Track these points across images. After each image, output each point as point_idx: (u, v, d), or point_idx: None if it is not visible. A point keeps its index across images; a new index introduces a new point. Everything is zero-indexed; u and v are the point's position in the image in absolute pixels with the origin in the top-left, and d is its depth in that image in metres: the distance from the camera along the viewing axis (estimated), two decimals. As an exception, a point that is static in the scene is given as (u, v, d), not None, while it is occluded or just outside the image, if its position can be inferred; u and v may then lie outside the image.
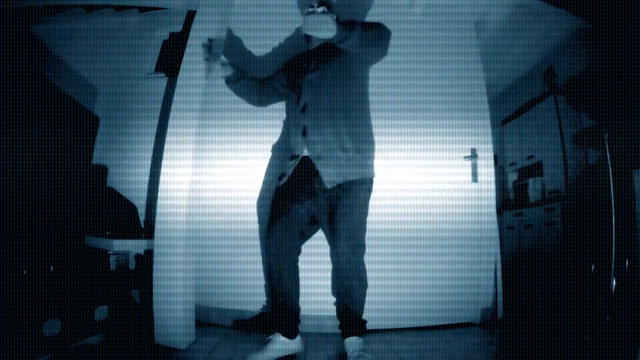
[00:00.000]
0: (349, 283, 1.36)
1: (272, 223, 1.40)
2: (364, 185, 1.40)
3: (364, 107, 1.48)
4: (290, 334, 1.39)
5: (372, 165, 1.45)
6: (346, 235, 1.33)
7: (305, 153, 1.42)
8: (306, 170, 1.42)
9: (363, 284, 1.39)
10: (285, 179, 1.46)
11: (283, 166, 1.56)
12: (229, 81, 1.56)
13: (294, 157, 1.46)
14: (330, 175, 1.36)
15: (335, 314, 1.46)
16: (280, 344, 1.37)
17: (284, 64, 1.66)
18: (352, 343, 1.36)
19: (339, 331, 1.43)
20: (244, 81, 1.57)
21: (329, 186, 1.36)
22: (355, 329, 1.39)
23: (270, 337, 1.39)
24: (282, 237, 1.37)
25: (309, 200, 1.41)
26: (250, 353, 1.33)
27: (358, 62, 1.46)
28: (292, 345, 1.40)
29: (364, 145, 1.42)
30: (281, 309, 1.40)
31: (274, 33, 2.01)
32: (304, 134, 1.42)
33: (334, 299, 1.46)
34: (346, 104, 1.43)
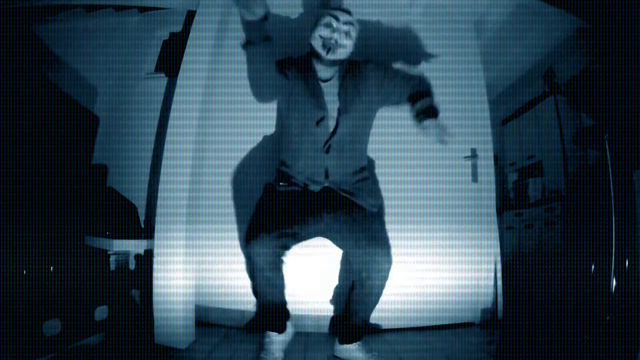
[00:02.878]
0: (375, 292, 1.29)
1: (261, 229, 1.22)
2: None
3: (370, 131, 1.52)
4: (281, 329, 1.36)
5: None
6: (384, 251, 1.26)
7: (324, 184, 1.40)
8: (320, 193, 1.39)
9: (383, 291, 1.33)
10: (286, 188, 1.38)
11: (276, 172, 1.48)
12: (249, 41, 1.30)
13: (305, 187, 1.39)
14: (365, 203, 1.38)
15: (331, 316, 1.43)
16: (277, 344, 1.34)
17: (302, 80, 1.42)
18: (355, 351, 1.35)
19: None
20: (266, 49, 1.29)
21: (370, 209, 1.38)
22: (359, 335, 1.37)
23: (267, 338, 1.35)
24: (268, 243, 1.22)
25: (316, 217, 1.35)
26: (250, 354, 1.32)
27: (385, 101, 1.47)
28: (286, 337, 1.37)
29: (370, 171, 1.50)
30: (268, 306, 1.33)
31: (274, 33, 2.01)
32: (327, 175, 1.38)
33: (332, 301, 1.45)
34: (364, 136, 1.47)
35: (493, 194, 1.99)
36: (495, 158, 2.54)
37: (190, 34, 1.68)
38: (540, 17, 2.49)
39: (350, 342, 1.37)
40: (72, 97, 1.97)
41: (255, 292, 1.32)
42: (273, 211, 1.31)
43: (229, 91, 1.87)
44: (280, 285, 1.31)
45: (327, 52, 1.31)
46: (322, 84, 1.40)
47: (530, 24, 2.59)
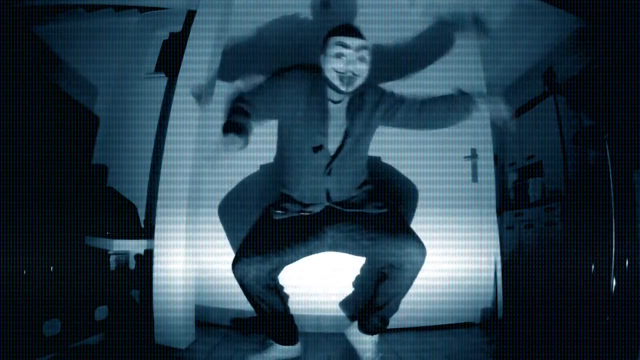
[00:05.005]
0: (406, 283, 1.25)
1: (258, 252, 1.20)
2: None
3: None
4: (290, 341, 1.33)
5: None
6: (412, 234, 1.25)
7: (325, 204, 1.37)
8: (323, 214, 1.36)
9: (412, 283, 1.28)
10: (283, 215, 1.33)
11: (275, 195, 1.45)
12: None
13: (306, 211, 1.35)
14: (372, 210, 1.34)
15: (345, 305, 1.40)
16: (280, 351, 1.32)
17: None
18: (369, 343, 1.30)
19: (338, 331, 1.42)
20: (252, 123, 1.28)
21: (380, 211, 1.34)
22: (381, 328, 1.32)
23: (270, 342, 1.33)
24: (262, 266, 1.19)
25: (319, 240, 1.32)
26: (251, 355, 1.30)
27: (388, 121, 1.45)
28: (292, 353, 1.34)
29: (370, 183, 1.45)
30: (271, 320, 1.29)
31: (274, 33, 2.01)
32: (328, 198, 1.36)
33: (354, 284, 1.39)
34: (364, 152, 1.45)
35: (493, 194, 1.99)
36: (495, 158, 2.54)
37: (190, 34, 1.68)
38: (540, 17, 2.49)
39: (371, 332, 1.30)
40: (72, 97, 1.97)
41: (254, 309, 1.28)
42: (266, 237, 1.27)
43: (229, 91, 1.87)
44: (275, 300, 1.26)
45: (347, 86, 1.25)
46: (332, 106, 1.35)
47: (530, 24, 2.59)
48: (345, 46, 1.23)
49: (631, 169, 1.89)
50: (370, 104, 1.38)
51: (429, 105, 1.38)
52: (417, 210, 1.90)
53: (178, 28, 2.29)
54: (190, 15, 2.06)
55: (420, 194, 1.91)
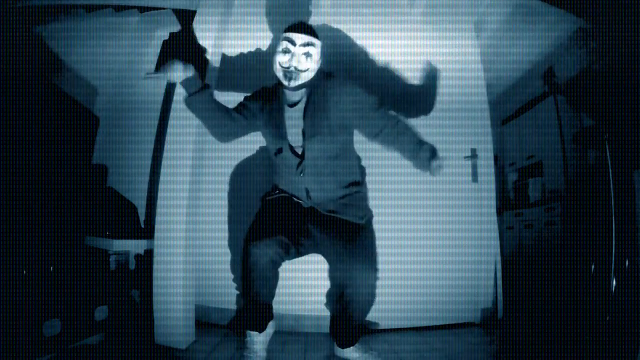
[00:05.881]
0: (361, 304, 1.28)
1: (265, 231, 1.24)
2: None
3: (353, 146, 1.51)
4: (263, 328, 1.33)
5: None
6: (368, 266, 1.25)
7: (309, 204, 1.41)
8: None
9: (374, 299, 1.32)
10: (278, 195, 1.41)
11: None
12: (189, 95, 1.31)
13: (297, 201, 1.41)
14: (352, 217, 1.36)
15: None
16: (260, 343, 1.32)
17: (260, 102, 1.44)
18: (352, 352, 1.36)
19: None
20: (207, 98, 1.33)
21: (358, 221, 1.36)
22: (357, 337, 1.38)
23: (249, 338, 1.32)
24: (268, 250, 1.22)
25: (305, 227, 1.36)
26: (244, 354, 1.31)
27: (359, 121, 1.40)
28: (266, 337, 1.35)
29: (361, 185, 1.47)
30: (255, 308, 1.31)
31: (274, 33, 2.01)
32: (309, 197, 1.39)
33: (327, 305, 1.44)
34: (346, 152, 1.43)
35: (493, 194, 1.99)
36: (495, 158, 2.55)
37: (191, 34, 1.68)
38: (540, 17, 2.49)
39: (346, 346, 1.37)
40: (72, 97, 1.97)
41: (245, 292, 1.29)
42: (275, 216, 1.33)
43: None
44: (274, 286, 1.31)
45: (289, 81, 1.27)
46: (290, 110, 1.37)
47: (530, 24, 2.59)
48: (291, 42, 1.26)
49: (631, 169, 1.89)
50: (340, 103, 1.33)
51: (400, 136, 1.37)
52: (417, 211, 1.90)
53: (178, 28, 2.29)
54: (190, 15, 2.06)
55: (420, 194, 1.91)
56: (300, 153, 1.36)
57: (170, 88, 2.13)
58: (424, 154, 1.33)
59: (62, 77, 2.21)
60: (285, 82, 1.28)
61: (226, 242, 1.83)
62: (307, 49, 1.27)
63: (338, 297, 1.31)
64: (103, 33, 2.39)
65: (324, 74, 1.37)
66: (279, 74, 1.29)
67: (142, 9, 2.37)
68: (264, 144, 1.88)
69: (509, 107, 3.84)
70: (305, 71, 1.27)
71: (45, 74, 2.11)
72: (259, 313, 1.32)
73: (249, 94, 1.49)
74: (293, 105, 1.37)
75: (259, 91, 1.48)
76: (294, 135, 1.36)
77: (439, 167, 1.31)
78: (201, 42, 1.66)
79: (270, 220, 1.31)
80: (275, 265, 1.25)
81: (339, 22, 2.01)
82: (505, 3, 2.32)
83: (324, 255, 1.39)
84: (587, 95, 2.67)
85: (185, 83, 1.29)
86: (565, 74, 2.91)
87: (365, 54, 1.99)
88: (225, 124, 1.39)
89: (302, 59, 1.27)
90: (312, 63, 1.28)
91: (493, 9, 2.32)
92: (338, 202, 1.38)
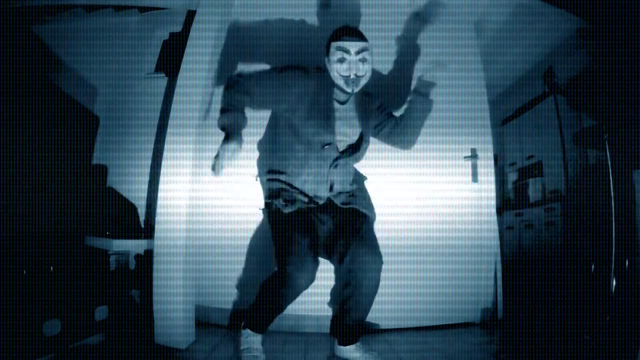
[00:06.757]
0: (369, 293, 1.30)
1: (299, 255, 1.22)
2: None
3: None
4: (262, 329, 1.35)
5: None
6: (375, 251, 1.30)
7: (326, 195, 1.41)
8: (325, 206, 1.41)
9: (376, 293, 1.34)
10: (293, 207, 1.35)
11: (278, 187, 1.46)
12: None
13: (312, 201, 1.39)
14: (367, 209, 1.42)
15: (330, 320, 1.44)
16: (256, 343, 1.33)
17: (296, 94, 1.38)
18: (353, 351, 1.36)
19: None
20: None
21: (371, 215, 1.43)
22: (359, 335, 1.39)
23: (246, 337, 1.34)
24: (304, 259, 1.22)
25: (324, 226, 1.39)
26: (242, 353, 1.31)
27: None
28: (259, 337, 1.36)
29: (362, 177, 1.56)
30: (267, 311, 1.32)
31: (274, 33, 2.01)
32: (331, 189, 1.40)
33: (329, 304, 1.45)
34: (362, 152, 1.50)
35: (493, 194, 1.99)
36: (495, 158, 2.55)
37: (190, 34, 1.68)
38: (540, 17, 2.49)
39: (347, 343, 1.37)
40: (72, 97, 1.97)
41: (267, 300, 1.29)
42: (304, 232, 1.29)
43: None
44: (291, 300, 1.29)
45: (353, 88, 1.32)
46: (338, 106, 1.41)
47: (530, 24, 2.59)
48: (346, 51, 1.29)
49: (631, 169, 1.89)
50: (372, 111, 1.51)
51: (402, 120, 1.51)
52: (417, 211, 1.90)
53: (178, 28, 2.29)
54: (190, 15, 2.06)
55: (421, 194, 1.91)
56: (342, 148, 1.42)
57: (170, 88, 2.13)
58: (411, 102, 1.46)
59: (62, 77, 2.21)
60: (349, 90, 1.33)
61: (226, 243, 1.83)
62: (362, 55, 1.30)
63: (345, 284, 1.30)
64: (103, 33, 2.39)
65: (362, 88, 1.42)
66: (339, 82, 1.32)
67: (142, 9, 2.37)
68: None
69: (509, 107, 3.84)
70: (364, 77, 1.33)
71: (45, 74, 2.11)
72: (270, 318, 1.34)
73: (289, 68, 1.39)
74: (343, 103, 1.42)
75: (304, 74, 1.38)
76: (339, 134, 1.40)
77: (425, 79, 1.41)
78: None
79: (301, 237, 1.27)
80: (308, 281, 1.24)
81: (338, 22, 1.99)
82: (505, 3, 2.32)
83: (333, 247, 1.38)
84: (587, 95, 2.66)
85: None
86: (565, 74, 2.91)
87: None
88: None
89: (359, 65, 1.30)
90: (368, 65, 1.32)
91: (493, 9, 2.32)
92: (350, 196, 1.43)
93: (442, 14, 2.08)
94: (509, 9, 2.39)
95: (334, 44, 1.31)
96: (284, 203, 1.34)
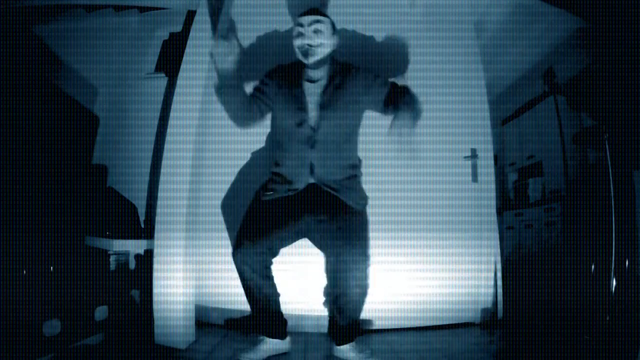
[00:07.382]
0: (356, 294, 1.31)
1: (245, 238, 1.31)
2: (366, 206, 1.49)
3: (358, 134, 1.55)
4: (280, 335, 1.40)
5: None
6: (360, 250, 1.30)
7: (309, 181, 1.42)
8: (305, 192, 1.42)
9: (366, 292, 1.36)
10: (272, 196, 1.41)
11: (263, 174, 1.53)
12: (222, 86, 1.37)
13: (292, 188, 1.41)
14: (352, 201, 1.41)
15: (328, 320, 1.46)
16: (271, 344, 1.38)
17: (279, 79, 1.50)
18: (348, 351, 1.37)
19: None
20: (237, 90, 1.39)
21: (356, 206, 1.42)
22: (353, 335, 1.39)
23: (262, 337, 1.39)
24: (257, 251, 1.29)
25: (302, 218, 1.39)
26: (242, 353, 1.33)
27: (371, 105, 1.50)
28: (282, 345, 1.41)
29: (359, 170, 1.52)
30: (264, 314, 1.38)
31: (274, 33, 2.01)
32: (312, 171, 1.40)
33: (325, 306, 1.45)
34: (351, 135, 1.49)
35: (493, 194, 1.99)
36: (495, 158, 2.55)
37: (190, 34, 1.68)
38: (540, 17, 2.49)
39: (342, 343, 1.38)
40: (72, 97, 1.97)
41: (249, 300, 1.36)
42: (257, 220, 1.36)
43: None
44: (271, 293, 1.35)
45: (307, 57, 1.38)
46: (309, 85, 1.45)
47: (530, 24, 2.59)
48: (300, 25, 1.40)
49: (631, 169, 1.89)
50: (358, 87, 1.45)
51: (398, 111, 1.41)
52: (417, 211, 1.90)
53: (178, 28, 2.29)
54: (190, 15, 2.06)
55: (420, 194, 1.91)
56: (314, 126, 1.41)
57: (170, 88, 2.13)
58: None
59: (62, 77, 2.21)
60: (305, 60, 1.39)
61: (225, 242, 1.83)
62: (315, 26, 1.38)
63: (332, 284, 1.35)
64: (103, 33, 2.39)
65: (344, 64, 1.49)
66: (299, 57, 1.40)
67: (142, 9, 2.37)
68: (264, 144, 1.90)
69: (509, 107, 3.84)
70: (318, 46, 1.37)
71: (45, 74, 2.11)
72: (269, 319, 1.37)
73: (263, 75, 1.52)
74: (313, 81, 1.45)
75: (275, 69, 1.53)
76: (312, 110, 1.42)
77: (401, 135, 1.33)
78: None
79: (254, 223, 1.36)
80: (262, 271, 1.30)
81: (339, 22, 2.00)
82: (505, 3, 2.32)
83: (311, 240, 1.46)
84: (587, 95, 2.66)
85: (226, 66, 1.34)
86: (565, 74, 2.90)
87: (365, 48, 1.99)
88: (248, 108, 1.45)
89: (312, 35, 1.37)
90: (323, 38, 1.38)
91: (493, 9, 2.32)
92: (339, 183, 1.42)
93: (442, 14, 2.08)
94: (509, 9, 2.39)
95: (294, 21, 1.42)
96: (265, 192, 1.42)
